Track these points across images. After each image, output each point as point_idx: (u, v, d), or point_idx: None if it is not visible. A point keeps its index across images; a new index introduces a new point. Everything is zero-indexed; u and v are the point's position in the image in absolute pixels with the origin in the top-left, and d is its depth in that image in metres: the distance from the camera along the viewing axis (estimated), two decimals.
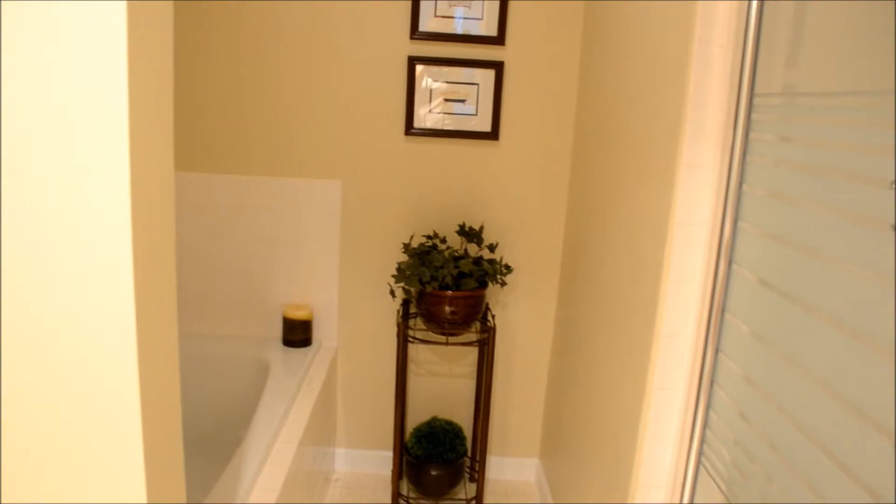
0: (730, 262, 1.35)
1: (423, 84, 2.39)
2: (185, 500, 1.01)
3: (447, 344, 2.34)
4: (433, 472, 2.48)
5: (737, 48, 1.31)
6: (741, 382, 1.30)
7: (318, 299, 2.62)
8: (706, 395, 1.42)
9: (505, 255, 2.55)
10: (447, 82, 2.39)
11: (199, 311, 2.65)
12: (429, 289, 2.26)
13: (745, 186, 1.31)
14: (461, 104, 2.40)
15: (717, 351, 1.40)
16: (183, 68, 2.45)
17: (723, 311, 1.37)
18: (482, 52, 2.38)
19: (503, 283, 2.44)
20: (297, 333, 2.57)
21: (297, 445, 2.03)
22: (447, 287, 2.26)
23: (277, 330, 2.65)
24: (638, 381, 1.57)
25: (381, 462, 2.75)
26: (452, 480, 2.51)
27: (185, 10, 2.40)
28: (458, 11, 2.33)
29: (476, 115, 2.41)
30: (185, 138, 2.50)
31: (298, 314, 2.56)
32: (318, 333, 2.65)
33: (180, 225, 2.56)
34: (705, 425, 1.44)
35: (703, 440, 1.45)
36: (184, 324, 2.67)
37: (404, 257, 2.54)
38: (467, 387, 2.68)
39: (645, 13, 1.67)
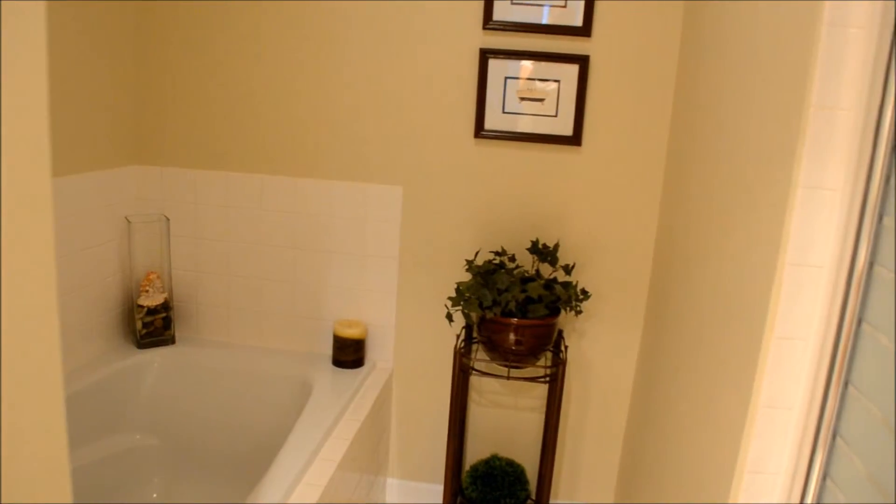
0: (859, 320, 1.01)
1: (497, 81, 2.10)
2: None
3: (508, 378, 2.04)
4: None
5: (883, 30, 0.97)
6: (863, 482, 0.96)
7: (374, 316, 2.37)
8: (815, 491, 1.08)
9: (582, 277, 2.23)
10: (524, 79, 2.09)
11: (245, 322, 2.45)
12: (490, 315, 1.97)
13: (885, 219, 0.96)
14: (539, 104, 2.10)
15: (833, 435, 1.05)
16: (241, 67, 2.25)
17: (845, 383, 1.03)
18: (565, 45, 2.07)
19: (578, 312, 2.12)
20: (348, 353, 2.32)
21: (334, 469, 1.81)
22: (511, 313, 1.97)
23: (329, 347, 2.41)
24: (727, 456, 1.24)
25: (434, 496, 2.48)
26: None
27: (243, 9, 2.20)
28: None
29: (556, 116, 2.10)
30: (236, 137, 2.30)
31: (350, 332, 2.31)
32: (371, 354, 2.40)
33: (230, 229, 2.36)
34: None
35: None
36: (228, 335, 2.47)
37: (469, 275, 2.26)
38: (535, 422, 2.37)
39: None
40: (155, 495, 2.25)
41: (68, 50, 2.01)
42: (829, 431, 1.06)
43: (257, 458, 2.27)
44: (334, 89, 2.22)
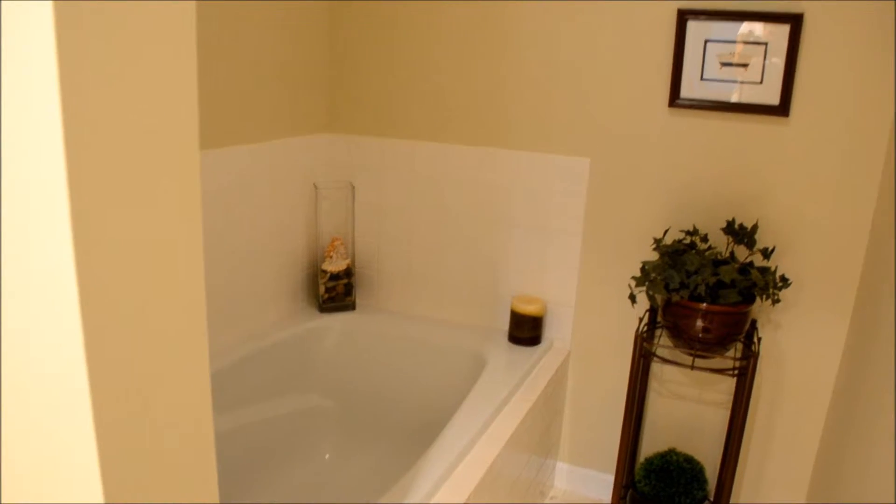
0: None
1: (696, 45, 1.94)
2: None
3: (693, 368, 1.89)
4: None
5: None
6: None
7: (553, 293, 2.29)
8: None
9: (782, 263, 2.02)
10: (726, 41, 1.91)
11: (423, 293, 2.45)
12: (676, 298, 1.83)
13: None
14: (742, 70, 1.91)
15: None
16: (425, 38, 2.22)
17: None
18: (774, 3, 1.86)
19: (776, 300, 1.92)
20: (525, 330, 2.26)
21: (502, 447, 1.77)
22: (700, 298, 1.82)
23: (505, 323, 2.36)
24: None
25: (605, 486, 2.36)
26: None
27: None
28: None
29: (761, 83, 1.90)
30: (421, 107, 2.29)
31: (528, 309, 2.24)
32: (549, 332, 2.32)
33: (413, 198, 2.36)
34: None
35: None
36: (406, 304, 2.48)
37: (656, 255, 2.12)
38: (719, 417, 2.19)
39: None
40: (327, 456, 2.30)
41: (269, 30, 2.06)
42: None
43: (428, 427, 2.26)
44: (518, 56, 2.14)
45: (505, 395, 1.96)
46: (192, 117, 0.69)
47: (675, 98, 1.99)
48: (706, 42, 1.92)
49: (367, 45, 2.32)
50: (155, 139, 0.65)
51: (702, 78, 1.95)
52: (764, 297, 1.87)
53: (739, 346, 1.97)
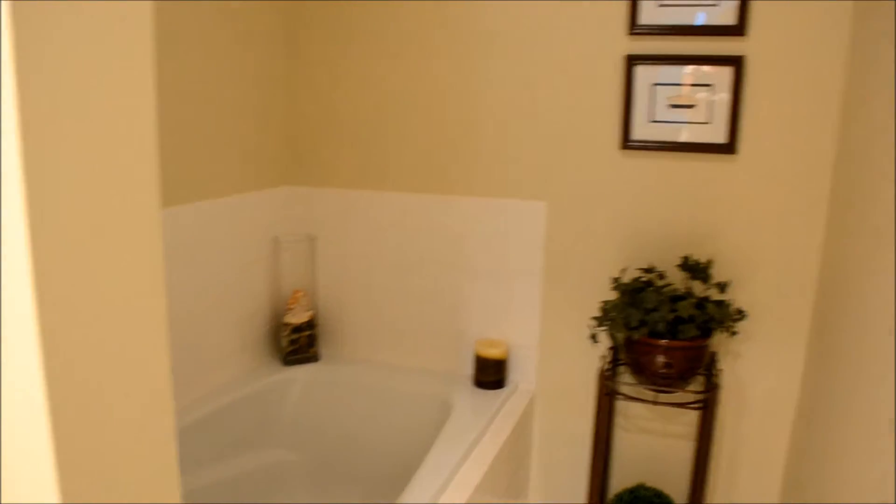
0: None
1: (644, 88, 2.00)
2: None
3: (656, 403, 1.92)
4: None
5: None
6: None
7: (516, 336, 2.30)
8: None
9: (738, 296, 2.07)
10: (673, 84, 1.97)
11: (387, 341, 2.45)
12: (636, 335, 1.86)
13: None
14: (689, 111, 1.97)
15: None
16: (384, 88, 2.26)
17: None
18: (717, 46, 1.93)
19: (733, 332, 1.97)
20: (490, 374, 2.27)
21: (471, 492, 1.76)
22: (660, 334, 1.85)
23: (469, 367, 2.36)
24: None
25: None
26: None
27: (388, 32, 2.21)
28: None
29: (708, 123, 1.97)
30: (381, 157, 2.32)
31: (492, 352, 2.25)
32: (513, 374, 2.33)
33: (374, 248, 2.37)
34: None
35: None
36: (371, 353, 2.48)
37: (615, 294, 2.15)
38: (685, 450, 2.22)
39: None
40: None
41: (224, 85, 2.08)
42: None
43: (396, 476, 2.25)
44: (477, 107, 2.19)
45: (472, 440, 1.96)
46: (152, 176, 0.70)
47: (626, 140, 2.05)
48: (654, 85, 1.99)
49: (326, 98, 2.35)
50: (117, 199, 0.66)
51: (651, 120, 2.01)
52: (721, 329, 1.91)
53: (701, 378, 2.01)
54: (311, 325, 2.42)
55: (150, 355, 0.72)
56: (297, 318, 2.40)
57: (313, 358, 2.45)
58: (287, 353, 2.41)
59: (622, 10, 1.99)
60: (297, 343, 2.42)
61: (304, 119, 2.38)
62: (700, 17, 1.92)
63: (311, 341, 2.44)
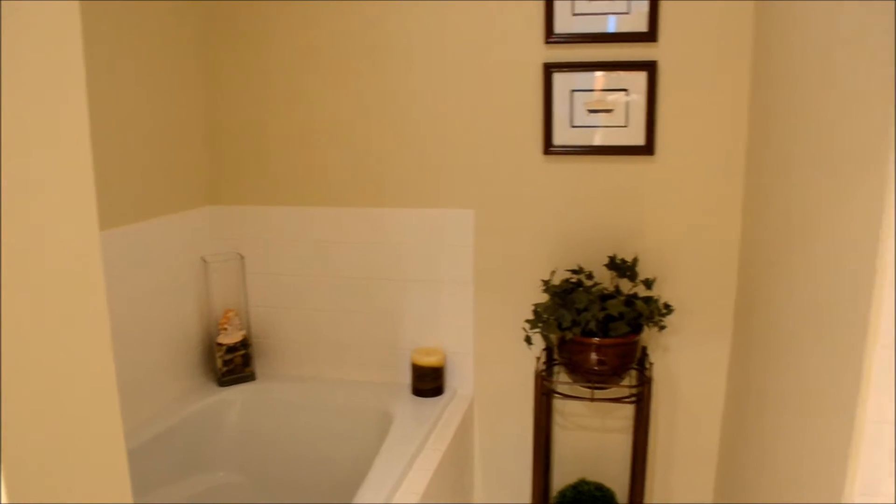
0: None
1: (563, 95, 2.05)
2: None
3: (593, 399, 1.97)
4: None
5: None
6: None
7: (452, 343, 2.33)
8: None
9: (665, 291, 2.15)
10: (590, 90, 2.04)
11: (323, 355, 2.44)
12: (570, 335, 1.91)
13: None
14: (608, 115, 2.04)
15: None
16: (306, 102, 2.26)
17: None
18: (631, 52, 2.01)
19: (662, 327, 2.04)
20: (428, 382, 2.29)
21: (418, 500, 1.78)
22: (592, 333, 1.90)
23: (407, 377, 2.38)
24: (834, 479, 1.15)
25: None
26: None
27: (306, 45, 2.21)
28: (601, 7, 1.98)
29: (626, 126, 2.04)
30: (306, 172, 2.31)
31: (429, 360, 2.28)
32: (451, 381, 2.36)
33: (304, 263, 2.37)
34: None
35: None
36: (307, 368, 2.47)
37: (546, 296, 2.20)
38: (623, 443, 2.29)
39: None
40: None
41: (141, 105, 2.05)
42: None
43: (342, 490, 2.25)
44: (399, 118, 2.21)
45: (415, 449, 1.98)
46: (90, 201, 0.70)
47: (548, 146, 2.10)
48: (572, 92, 2.04)
49: (246, 115, 2.33)
50: (55, 225, 0.66)
51: (572, 125, 2.07)
52: (651, 325, 1.98)
53: (634, 373, 2.07)
54: (244, 344, 2.41)
55: (96, 368, 0.72)
56: (231, 338, 2.38)
57: (249, 377, 2.43)
58: (222, 374, 2.38)
59: (539, 19, 2.04)
60: (232, 363, 2.39)
61: (226, 137, 2.36)
62: (612, 25, 1.98)
63: (246, 360, 2.42)
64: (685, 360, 2.18)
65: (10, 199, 0.61)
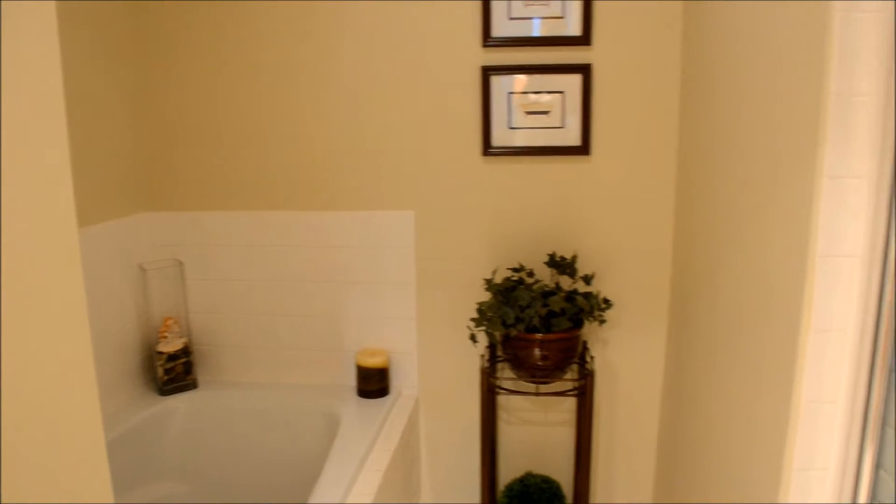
0: None
1: (501, 97, 2.10)
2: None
3: (537, 394, 2.02)
4: None
5: None
6: None
7: (396, 344, 2.35)
8: (868, 483, 1.06)
9: (604, 287, 2.21)
10: (527, 93, 2.08)
11: (267, 360, 2.43)
12: (513, 332, 1.95)
13: None
14: (544, 116, 2.09)
15: (882, 423, 1.03)
16: (243, 106, 2.25)
17: (891, 370, 1.01)
18: (566, 56, 2.06)
19: (602, 321, 2.10)
20: (373, 383, 2.30)
21: (371, 501, 1.79)
22: (535, 329, 1.95)
23: (352, 378, 2.39)
24: (773, 455, 1.22)
25: None
26: None
27: (242, 49, 2.20)
28: (536, 11, 2.03)
29: (563, 127, 2.09)
30: (243, 177, 2.30)
31: (373, 361, 2.29)
32: (396, 381, 2.38)
33: (244, 268, 2.36)
34: None
35: None
36: (251, 374, 2.46)
37: (489, 295, 2.24)
38: (566, 435, 2.35)
39: None
40: None
41: (74, 103, 2.01)
42: (877, 421, 1.03)
43: (291, 495, 2.25)
44: (338, 122, 2.22)
45: (364, 450, 1.99)
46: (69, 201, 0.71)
47: (487, 147, 2.14)
48: (510, 94, 2.09)
49: (182, 120, 2.31)
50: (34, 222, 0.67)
51: (509, 126, 2.11)
52: (591, 319, 2.04)
53: (576, 367, 2.13)
54: (186, 352, 2.38)
55: (75, 365, 0.72)
56: (171, 346, 2.35)
57: (191, 385, 2.40)
58: (164, 383, 2.35)
59: (476, 23, 2.08)
60: (173, 371, 2.37)
61: (161, 142, 2.33)
62: (547, 29, 2.03)
63: (188, 368, 2.39)
64: (624, 353, 2.26)
65: None
